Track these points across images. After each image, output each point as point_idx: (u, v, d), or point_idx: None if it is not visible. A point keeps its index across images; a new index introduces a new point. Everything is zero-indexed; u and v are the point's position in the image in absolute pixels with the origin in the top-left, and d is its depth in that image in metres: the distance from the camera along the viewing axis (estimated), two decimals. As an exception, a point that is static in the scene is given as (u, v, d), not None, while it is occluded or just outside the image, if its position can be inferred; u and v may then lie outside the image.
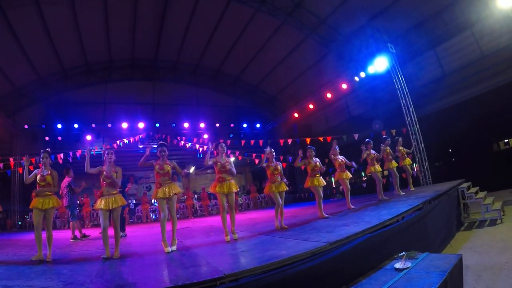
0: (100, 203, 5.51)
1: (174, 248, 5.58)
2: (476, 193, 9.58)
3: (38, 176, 5.75)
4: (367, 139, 10.13)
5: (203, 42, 20.14)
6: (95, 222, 16.15)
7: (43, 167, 5.90)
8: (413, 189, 11.28)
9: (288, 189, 7.54)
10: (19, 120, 18.52)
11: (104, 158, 5.90)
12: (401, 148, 11.25)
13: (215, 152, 6.57)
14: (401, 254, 4.52)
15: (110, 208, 5.52)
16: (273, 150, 7.42)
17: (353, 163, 9.40)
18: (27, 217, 17.20)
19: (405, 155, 11.28)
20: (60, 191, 9.44)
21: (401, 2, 14.76)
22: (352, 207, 8.94)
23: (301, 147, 9.55)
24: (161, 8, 17.05)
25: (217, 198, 6.40)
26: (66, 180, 9.45)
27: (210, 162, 6.27)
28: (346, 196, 9.28)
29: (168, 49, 20.87)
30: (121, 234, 8.93)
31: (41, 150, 6.07)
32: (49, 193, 5.73)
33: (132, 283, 3.60)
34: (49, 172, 5.83)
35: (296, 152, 8.95)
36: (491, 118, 14.24)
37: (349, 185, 9.25)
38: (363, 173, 19.79)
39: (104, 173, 5.70)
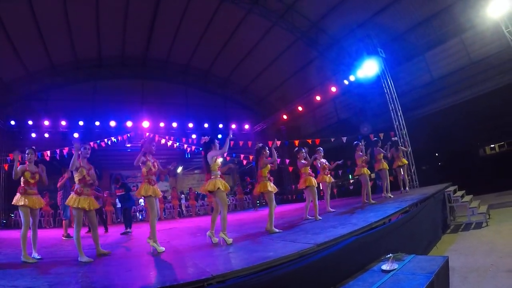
0: (80, 202, 5.22)
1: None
2: (462, 196, 9.70)
3: (29, 174, 5.56)
4: (355, 141, 10.16)
5: (194, 41, 20.07)
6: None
7: (28, 163, 5.69)
8: (404, 191, 11.34)
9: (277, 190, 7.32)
10: (5, 115, 18.15)
11: (79, 153, 5.51)
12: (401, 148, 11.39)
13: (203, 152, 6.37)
14: (388, 256, 4.54)
15: (92, 208, 5.38)
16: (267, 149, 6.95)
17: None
18: (12, 215, 16.88)
19: (402, 157, 11.40)
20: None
21: (391, 8, 14.95)
22: (332, 210, 9.04)
23: (289, 149, 9.54)
24: (153, 5, 16.95)
25: (209, 198, 6.14)
26: (65, 178, 9.39)
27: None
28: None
29: (159, 48, 20.75)
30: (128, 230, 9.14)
31: (26, 148, 5.83)
32: (36, 192, 5.61)
33: (118, 284, 3.55)
34: (37, 169, 5.69)
35: (284, 154, 8.93)
36: (478, 124, 14.44)
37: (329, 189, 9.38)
38: (350, 175, 19.91)
39: (84, 170, 5.45)
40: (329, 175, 9.25)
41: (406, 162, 11.44)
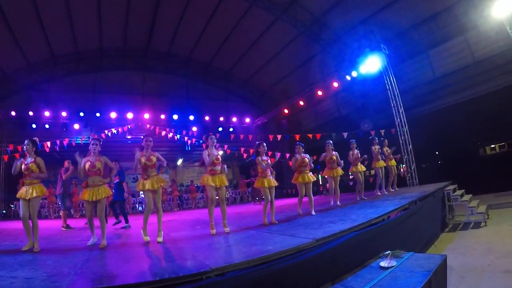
0: (84, 195, 5.57)
1: (161, 239, 5.54)
2: (462, 195, 9.70)
3: (23, 166, 5.61)
4: (351, 139, 10.26)
5: (196, 34, 19.97)
6: (83, 212, 15.79)
7: (28, 155, 5.74)
8: (392, 190, 11.44)
9: (277, 184, 7.43)
10: (6, 106, 18.07)
11: (89, 148, 5.86)
12: (386, 148, 11.35)
13: (203, 145, 6.44)
14: (387, 252, 4.55)
15: (94, 199, 5.55)
16: (265, 144, 7.24)
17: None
18: (12, 206, 16.90)
19: (391, 156, 11.38)
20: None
21: (396, 4, 14.84)
22: (339, 203, 9.06)
23: (290, 143, 9.56)
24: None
25: (205, 191, 6.30)
26: (71, 170, 9.41)
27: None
28: (336, 192, 9.41)
29: (160, 40, 20.67)
30: (126, 225, 9.04)
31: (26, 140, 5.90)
32: (35, 181, 5.58)
33: (117, 275, 3.55)
34: (33, 159, 5.66)
35: (285, 148, 8.96)
36: (479, 123, 14.40)
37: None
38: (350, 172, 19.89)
39: (89, 163, 5.69)
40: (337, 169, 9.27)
41: (395, 163, 11.54)
